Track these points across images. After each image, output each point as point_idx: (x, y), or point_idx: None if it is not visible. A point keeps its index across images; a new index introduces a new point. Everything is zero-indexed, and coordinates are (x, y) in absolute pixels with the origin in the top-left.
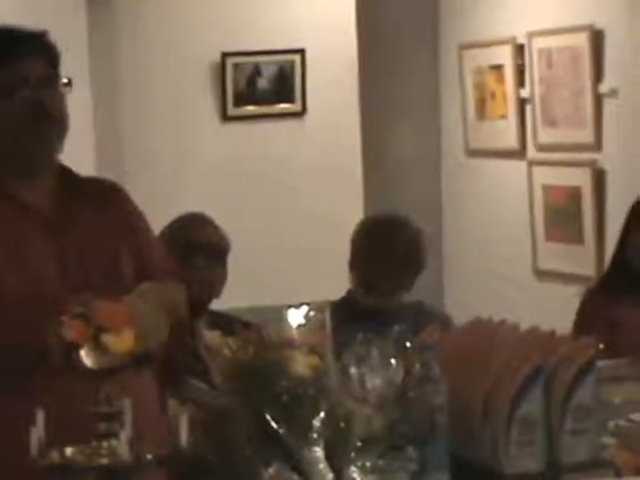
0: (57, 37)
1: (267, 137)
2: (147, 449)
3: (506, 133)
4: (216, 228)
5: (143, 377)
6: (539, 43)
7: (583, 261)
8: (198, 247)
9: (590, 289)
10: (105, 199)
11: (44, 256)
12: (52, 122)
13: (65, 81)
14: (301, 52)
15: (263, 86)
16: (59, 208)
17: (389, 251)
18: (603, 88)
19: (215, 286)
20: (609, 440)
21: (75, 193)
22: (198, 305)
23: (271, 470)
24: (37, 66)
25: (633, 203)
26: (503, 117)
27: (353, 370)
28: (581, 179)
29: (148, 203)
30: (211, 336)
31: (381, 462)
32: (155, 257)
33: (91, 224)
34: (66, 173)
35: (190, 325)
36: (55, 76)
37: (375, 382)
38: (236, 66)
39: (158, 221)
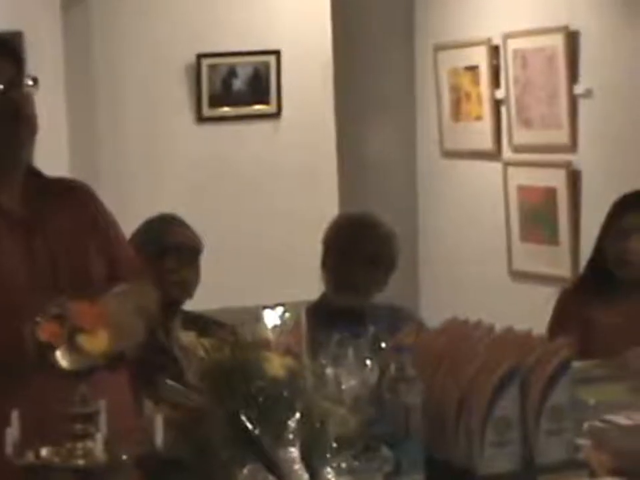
0: (31, 38)
1: (242, 138)
2: (122, 449)
3: (481, 134)
4: (188, 229)
5: (118, 378)
6: (514, 44)
7: (558, 262)
8: (171, 248)
9: (565, 289)
10: (72, 198)
11: (13, 256)
12: (22, 123)
13: (30, 82)
14: (276, 53)
15: (238, 87)
16: (28, 208)
17: (359, 250)
18: (578, 89)
19: (188, 287)
20: (583, 441)
21: (43, 193)
22: (171, 306)
23: (246, 470)
24: (7, 70)
25: (611, 204)
26: (478, 118)
27: (328, 371)
28: (556, 179)
29: (122, 204)
30: (186, 336)
31: (356, 462)
32: (123, 256)
33: (60, 224)
34: (34, 173)
35: (163, 325)
36: (22, 76)
37: (350, 383)
38: (211, 67)
39: (132, 221)
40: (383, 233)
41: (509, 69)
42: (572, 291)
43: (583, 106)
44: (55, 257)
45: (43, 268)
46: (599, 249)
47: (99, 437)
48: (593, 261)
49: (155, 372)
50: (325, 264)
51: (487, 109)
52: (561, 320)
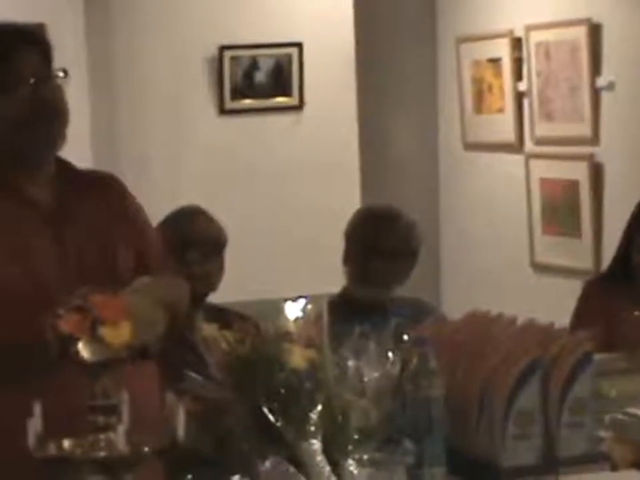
0: (53, 34)
1: (264, 131)
2: (144, 441)
3: (503, 127)
4: (213, 221)
5: (142, 370)
6: (537, 36)
7: (580, 255)
8: (195, 241)
9: (590, 281)
10: (103, 191)
11: (43, 249)
12: (53, 116)
13: (61, 74)
14: (299, 45)
15: (260, 79)
16: (58, 201)
17: (381, 242)
18: (601, 82)
19: (212, 279)
20: (605, 433)
21: (74, 185)
22: (195, 299)
23: (267, 463)
24: (35, 61)
25: (637, 204)
26: (501, 110)
27: (350, 363)
28: (579, 172)
29: (145, 197)
30: (209, 329)
31: (377, 455)
32: (152, 251)
33: (90, 217)
34: (64, 166)
35: (189, 319)
36: (51, 70)
37: (372, 375)
38: (233, 59)
39: (155, 214)
40: (405, 226)
41: (532, 61)
42: (596, 284)
43: (605, 99)
44: (84, 250)
45: (71, 261)
46: (626, 243)
47: (121, 428)
48: (618, 254)
49: (177, 364)
50: (346, 257)
51: (509, 102)
52: (584, 312)
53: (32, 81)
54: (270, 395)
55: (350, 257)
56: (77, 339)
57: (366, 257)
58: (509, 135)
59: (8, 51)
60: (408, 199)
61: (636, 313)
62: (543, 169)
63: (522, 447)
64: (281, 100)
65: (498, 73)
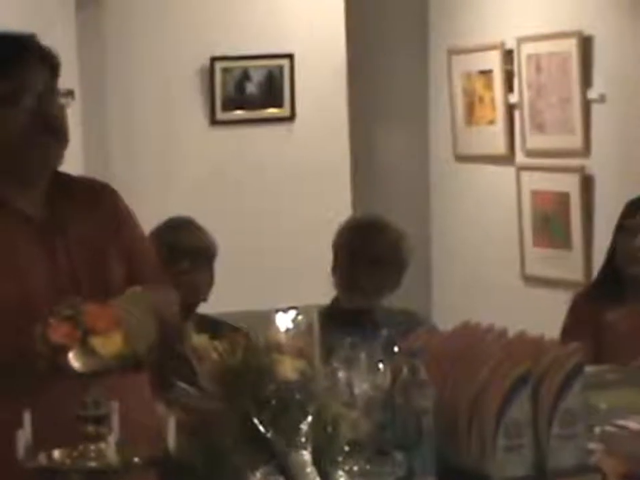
0: (45, 41)
1: (255, 142)
2: (134, 452)
3: (494, 138)
4: (203, 231)
5: (133, 380)
6: (528, 48)
7: (571, 267)
8: (185, 251)
9: (579, 293)
10: (97, 201)
11: (33, 260)
12: (54, 134)
13: (67, 92)
14: (290, 57)
15: (252, 90)
16: (51, 213)
17: (368, 252)
18: (592, 94)
19: (201, 289)
20: (595, 445)
21: (67, 196)
22: (185, 309)
23: (258, 474)
24: (41, 76)
25: (622, 209)
26: (492, 122)
27: (340, 374)
28: (569, 184)
29: (136, 207)
30: (199, 339)
31: (368, 466)
32: (146, 261)
33: (83, 227)
34: (58, 177)
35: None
36: (56, 85)
37: (362, 386)
38: (225, 70)
39: (145, 224)
40: (392, 236)
41: (523, 73)
42: (585, 295)
43: (596, 111)
44: (76, 261)
45: (63, 272)
46: (612, 251)
47: (112, 439)
48: (606, 264)
49: (168, 375)
50: (335, 267)
51: (500, 113)
52: (574, 324)
53: (37, 94)
54: (260, 406)
55: (338, 267)
56: (68, 349)
57: (353, 266)
58: (500, 146)
59: (16, 62)
60: (399, 209)
61: (626, 324)
62: (533, 181)
63: (512, 459)
64: (272, 111)
65: (489, 85)
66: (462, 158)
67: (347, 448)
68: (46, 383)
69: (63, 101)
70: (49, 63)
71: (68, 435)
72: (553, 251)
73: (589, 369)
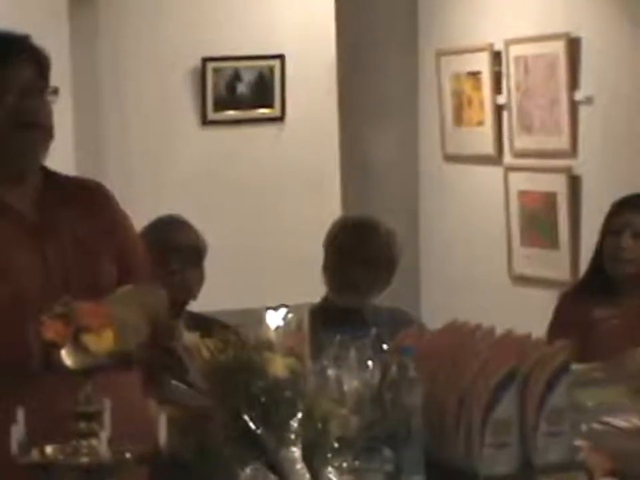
0: (37, 41)
1: (246, 142)
2: (126, 448)
3: (483, 139)
4: (192, 230)
5: (125, 378)
6: (516, 50)
7: (558, 266)
8: (175, 249)
9: (565, 292)
10: (89, 200)
11: (24, 259)
12: (38, 130)
13: (52, 90)
14: (281, 57)
15: (243, 91)
16: (42, 212)
17: (358, 251)
18: (579, 95)
19: (192, 288)
20: (582, 442)
21: (59, 195)
22: (176, 307)
23: (248, 470)
24: (27, 73)
25: (609, 209)
26: (480, 123)
27: (330, 372)
28: (557, 184)
29: (129, 207)
30: (190, 337)
31: (357, 462)
32: (137, 260)
33: (75, 226)
34: (50, 176)
35: (170, 327)
36: (44, 84)
37: (351, 384)
38: (216, 71)
39: (137, 223)
40: (382, 235)
41: (511, 74)
42: (571, 294)
43: (584, 112)
44: (67, 259)
45: (54, 271)
46: (598, 251)
47: (103, 435)
48: (592, 263)
49: (159, 372)
50: (326, 266)
51: (488, 114)
52: (560, 323)
53: (19, 92)
54: (251, 403)
55: (329, 266)
56: (60, 346)
57: (344, 265)
58: (488, 147)
59: (1, 60)
60: (388, 209)
61: (611, 322)
62: (521, 181)
63: (499, 456)
64: (263, 111)
65: (478, 86)
66: (451, 158)
67: (336, 445)
68: (39, 380)
69: (48, 98)
70: (36, 62)
71: (60, 432)
72: (540, 251)
73: (575, 367)
